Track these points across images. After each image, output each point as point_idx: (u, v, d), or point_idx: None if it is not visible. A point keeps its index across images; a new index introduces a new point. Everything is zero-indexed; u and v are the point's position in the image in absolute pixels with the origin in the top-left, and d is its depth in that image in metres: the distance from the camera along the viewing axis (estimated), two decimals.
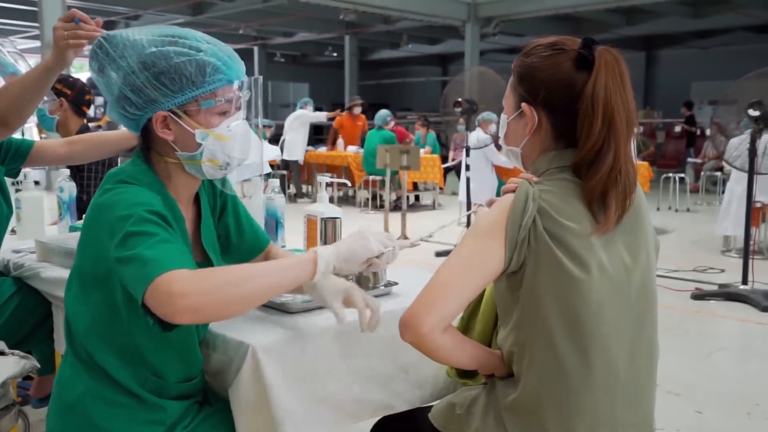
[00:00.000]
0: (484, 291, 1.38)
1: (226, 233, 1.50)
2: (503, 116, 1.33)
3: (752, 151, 4.55)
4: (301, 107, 10.00)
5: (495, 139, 6.85)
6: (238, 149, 1.30)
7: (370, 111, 11.25)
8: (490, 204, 1.24)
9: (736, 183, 5.85)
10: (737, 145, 4.86)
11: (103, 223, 1.19)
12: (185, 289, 1.05)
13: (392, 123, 9.68)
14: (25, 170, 2.81)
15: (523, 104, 1.25)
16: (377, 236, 1.25)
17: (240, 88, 1.29)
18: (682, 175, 9.65)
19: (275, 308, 1.54)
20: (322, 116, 10.19)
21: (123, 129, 1.97)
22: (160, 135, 1.26)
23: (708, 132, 11.22)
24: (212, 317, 1.19)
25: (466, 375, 1.43)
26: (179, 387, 1.34)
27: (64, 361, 1.33)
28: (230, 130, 1.28)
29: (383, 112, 9.29)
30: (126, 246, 1.12)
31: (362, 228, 1.26)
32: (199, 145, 1.26)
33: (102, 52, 1.24)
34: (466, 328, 1.44)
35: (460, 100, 5.77)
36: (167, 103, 1.23)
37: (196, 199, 1.41)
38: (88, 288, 1.28)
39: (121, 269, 1.13)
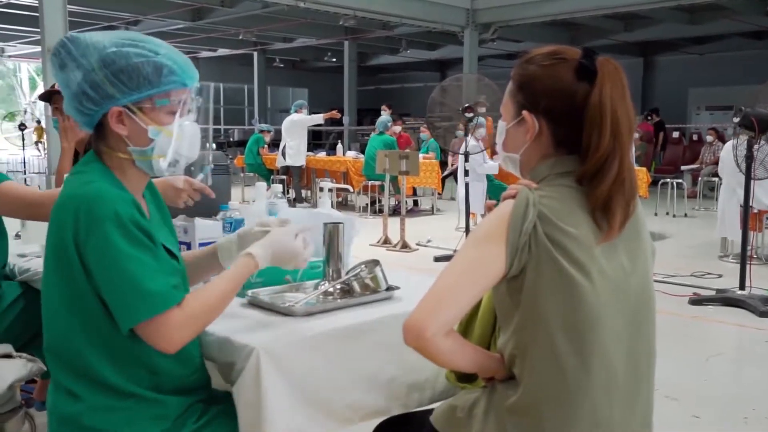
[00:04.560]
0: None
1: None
2: (501, 123, 1.34)
3: (749, 157, 4.59)
4: (296, 111, 9.90)
5: (486, 143, 6.86)
6: (186, 148, 1.38)
7: (368, 116, 11.26)
8: (489, 209, 1.26)
9: (730, 188, 5.90)
10: (730, 149, 4.92)
11: (72, 222, 1.24)
12: (182, 329, 1.27)
13: (398, 128, 9.70)
14: (28, 175, 2.83)
15: (524, 112, 1.26)
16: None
17: (192, 93, 1.37)
18: (680, 180, 9.68)
19: (280, 312, 1.56)
20: (318, 118, 10.11)
21: None
22: (115, 129, 1.32)
23: (708, 138, 11.23)
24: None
25: (465, 379, 1.45)
26: (178, 381, 1.36)
27: (52, 384, 1.35)
28: (181, 129, 1.36)
29: (384, 118, 9.32)
30: (113, 263, 1.22)
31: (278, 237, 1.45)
32: (151, 140, 1.33)
33: (65, 50, 1.31)
34: (464, 332, 1.45)
35: (468, 105, 5.79)
36: (123, 99, 1.30)
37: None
38: (63, 294, 1.29)
39: (105, 284, 1.23)
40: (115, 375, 1.29)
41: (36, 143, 13.06)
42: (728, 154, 5.48)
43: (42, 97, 2.86)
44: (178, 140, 1.35)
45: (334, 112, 10.30)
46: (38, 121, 12.88)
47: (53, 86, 2.83)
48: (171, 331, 1.24)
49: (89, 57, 1.29)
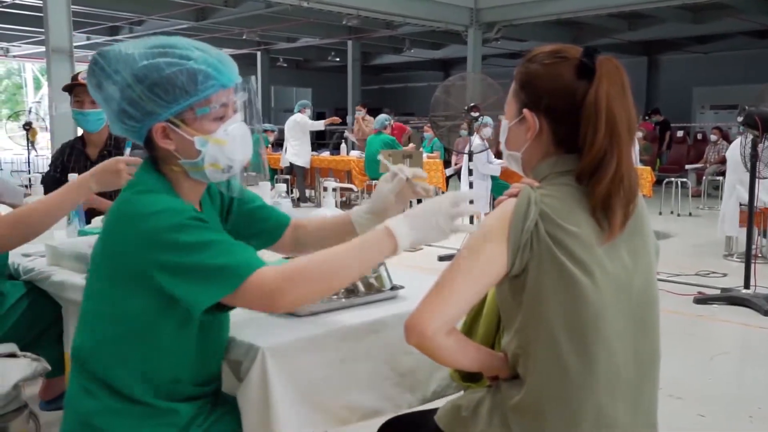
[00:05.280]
0: (486, 295, 1.41)
1: (238, 229, 1.51)
2: (504, 121, 1.35)
3: (753, 156, 4.58)
4: (299, 111, 9.93)
5: (494, 143, 6.86)
6: (239, 151, 1.32)
7: (372, 116, 11.25)
8: (497, 205, 1.26)
9: (731, 185, 5.89)
10: (736, 147, 4.92)
11: (131, 234, 1.22)
12: (283, 285, 1.19)
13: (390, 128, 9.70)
14: (32, 175, 2.84)
15: (525, 110, 1.27)
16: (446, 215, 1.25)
17: (235, 91, 1.31)
18: (684, 179, 9.66)
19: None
20: (319, 125, 10.15)
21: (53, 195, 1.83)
22: (162, 145, 1.28)
23: (712, 137, 11.21)
24: (311, 302, 1.33)
25: (469, 378, 1.45)
26: (195, 390, 1.36)
27: (72, 379, 1.35)
28: (228, 133, 1.30)
29: (382, 117, 9.31)
30: (186, 256, 1.18)
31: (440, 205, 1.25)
32: (200, 151, 1.28)
33: (98, 68, 1.26)
34: (469, 332, 1.45)
35: (474, 104, 5.79)
36: (164, 114, 1.25)
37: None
38: (107, 302, 1.28)
39: (181, 278, 1.18)
40: (132, 387, 1.28)
41: (31, 144, 13.08)
42: (733, 152, 5.48)
43: (65, 89, 2.87)
44: (227, 146, 1.29)
45: (334, 118, 10.38)
46: (30, 122, 12.88)
47: (76, 77, 2.83)
48: (270, 286, 1.18)
49: (122, 72, 1.24)
